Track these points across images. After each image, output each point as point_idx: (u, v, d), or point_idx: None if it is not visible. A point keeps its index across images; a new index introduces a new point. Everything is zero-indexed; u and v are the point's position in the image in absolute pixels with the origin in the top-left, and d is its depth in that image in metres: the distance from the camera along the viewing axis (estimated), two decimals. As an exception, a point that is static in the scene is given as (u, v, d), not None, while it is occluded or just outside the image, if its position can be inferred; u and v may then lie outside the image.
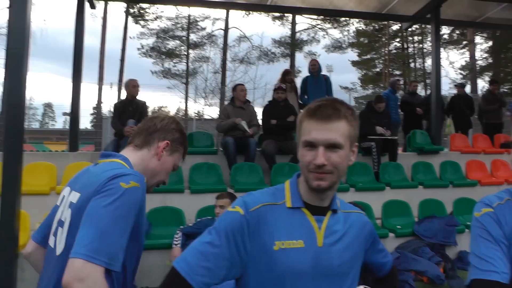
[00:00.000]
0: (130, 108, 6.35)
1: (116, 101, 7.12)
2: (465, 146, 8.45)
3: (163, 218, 5.15)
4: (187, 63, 27.08)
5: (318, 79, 8.21)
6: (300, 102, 8.15)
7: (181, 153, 1.75)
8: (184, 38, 27.32)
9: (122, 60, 25.68)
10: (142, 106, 6.47)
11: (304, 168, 1.25)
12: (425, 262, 4.99)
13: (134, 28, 43.81)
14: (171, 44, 27.61)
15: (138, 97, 6.54)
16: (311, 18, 27.56)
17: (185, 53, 27.35)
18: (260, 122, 6.88)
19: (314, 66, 8.25)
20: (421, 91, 24.96)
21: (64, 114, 33.79)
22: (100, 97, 23.54)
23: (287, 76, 8.28)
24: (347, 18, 26.11)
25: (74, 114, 7.40)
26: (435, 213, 5.90)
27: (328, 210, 1.32)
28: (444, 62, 30.27)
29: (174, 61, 27.44)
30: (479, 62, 28.93)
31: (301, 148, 1.26)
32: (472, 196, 6.51)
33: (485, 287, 1.25)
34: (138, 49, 27.67)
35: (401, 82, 25.70)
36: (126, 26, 26.35)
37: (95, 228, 1.24)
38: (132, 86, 6.46)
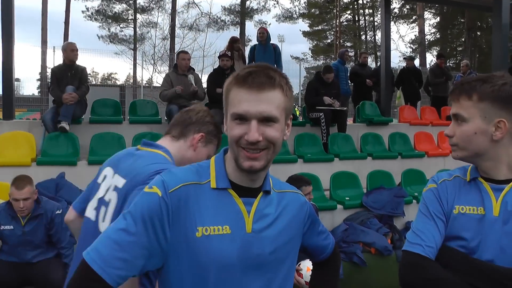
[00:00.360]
0: (68, 74, 5.80)
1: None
2: (413, 118, 8.52)
3: None
4: (134, 28, 26.04)
5: (266, 48, 7.96)
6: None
7: (215, 144, 1.84)
8: (131, 1, 26.16)
9: (66, 22, 24.06)
10: (82, 71, 5.92)
11: (233, 144, 1.10)
12: (373, 233, 4.96)
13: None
14: (118, 7, 26.48)
15: (78, 62, 5.99)
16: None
17: (132, 17, 26.28)
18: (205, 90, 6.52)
19: (263, 35, 7.97)
20: (371, 63, 25.30)
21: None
22: (45, 61, 21.97)
23: (235, 44, 7.94)
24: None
25: (6, 78, 6.68)
26: (383, 184, 5.84)
27: (259, 191, 1.18)
28: (394, 36, 30.83)
29: (121, 25, 26.40)
30: (428, 37, 29.63)
31: (230, 121, 1.11)
32: (420, 167, 6.54)
33: (408, 258, 1.35)
34: (83, 11, 26.35)
35: (351, 54, 25.92)
36: (68, -16, 24.68)
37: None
38: (70, 50, 5.87)
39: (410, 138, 7.58)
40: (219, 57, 6.57)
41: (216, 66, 7.90)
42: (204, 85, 6.78)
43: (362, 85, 8.93)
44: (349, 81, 9.16)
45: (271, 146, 1.09)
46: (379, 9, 30.85)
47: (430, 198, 1.43)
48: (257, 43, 8.08)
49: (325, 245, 1.43)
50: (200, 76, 6.51)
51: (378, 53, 27.55)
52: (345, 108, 7.40)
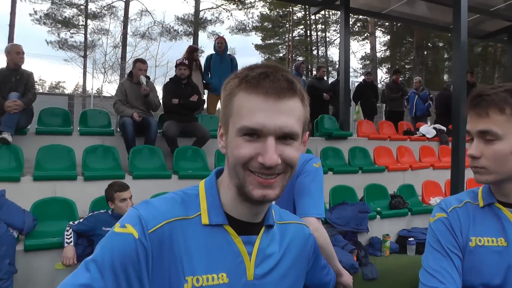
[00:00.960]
0: (13, 79, 5.18)
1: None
2: (372, 132, 8.53)
3: (51, 212, 4.22)
4: (85, 34, 24.99)
5: (223, 58, 7.78)
6: (204, 81, 7.65)
7: None
8: (82, 6, 25.15)
9: (12, 25, 22.77)
10: (28, 77, 5.29)
11: (239, 167, 0.85)
12: (339, 251, 4.74)
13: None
14: (68, 12, 25.30)
15: (23, 67, 5.37)
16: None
17: (83, 23, 25.20)
18: (161, 101, 6.16)
19: (221, 44, 7.75)
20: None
21: None
22: (-12, 66, 20.59)
23: (195, 52, 7.69)
24: (253, 0, 25.95)
25: None
26: (346, 199, 5.68)
27: (261, 225, 0.95)
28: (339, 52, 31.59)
29: (71, 31, 25.23)
30: (378, 54, 30.58)
31: (234, 136, 0.85)
32: (381, 182, 6.46)
33: None
34: (31, 14, 24.88)
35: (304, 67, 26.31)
36: (15, -15, 23.46)
37: (312, 197, 1.73)
38: (16, 53, 5.23)
39: (370, 152, 7.52)
40: (176, 65, 6.22)
41: (168, 76, 7.58)
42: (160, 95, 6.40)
43: (319, 99, 8.89)
44: (305, 94, 9.11)
45: (288, 170, 0.86)
46: (331, 25, 32.14)
47: (441, 230, 1.25)
48: (214, 53, 7.83)
49: (327, 282, 1.25)
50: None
51: (330, 68, 28.18)
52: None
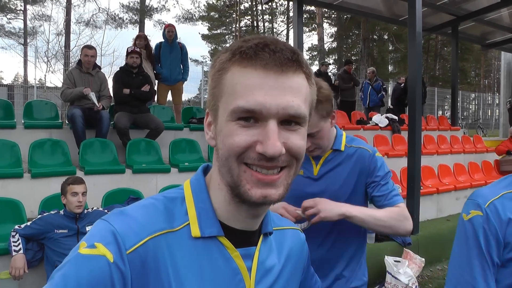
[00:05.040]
0: None
1: None
2: (325, 122, 8.51)
3: None
4: (24, 20, 23.60)
5: (173, 47, 7.47)
6: (154, 71, 7.34)
7: None
8: (19, -11, 23.67)
9: None
10: None
11: (232, 160, 0.67)
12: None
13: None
14: (4, -5, 23.73)
15: None
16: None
17: (22, 8, 23.73)
18: (111, 91, 5.85)
19: (171, 33, 7.41)
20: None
21: None
22: None
23: (146, 41, 7.32)
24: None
25: None
26: None
27: (259, 234, 0.80)
28: (291, 42, 31.92)
29: (8, 16, 23.65)
30: (325, 46, 31.06)
31: (226, 122, 0.68)
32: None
33: None
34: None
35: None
36: None
37: (392, 183, 1.71)
38: None
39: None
40: (127, 53, 5.93)
41: (114, 66, 7.21)
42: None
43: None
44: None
45: (294, 163, 0.70)
46: (278, 16, 32.30)
47: (479, 233, 1.07)
48: (163, 41, 7.49)
49: None
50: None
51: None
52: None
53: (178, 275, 0.69)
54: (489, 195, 1.12)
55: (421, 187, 6.12)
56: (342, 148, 1.74)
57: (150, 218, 0.70)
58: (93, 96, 5.31)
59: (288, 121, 0.68)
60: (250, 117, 0.66)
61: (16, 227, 3.33)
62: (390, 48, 31.77)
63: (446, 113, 21.36)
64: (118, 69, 6.15)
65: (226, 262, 0.74)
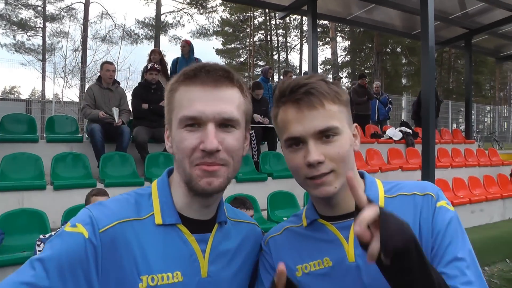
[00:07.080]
0: None
1: None
2: (340, 135, 8.57)
3: (20, 224, 4.03)
4: (43, 37, 24.23)
5: (189, 62, 7.54)
6: (170, 86, 7.43)
7: None
8: (39, 8, 24.33)
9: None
10: None
11: (185, 161, 0.87)
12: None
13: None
14: (24, 13, 24.40)
15: None
16: (176, 1, 27.31)
17: (41, 25, 24.38)
18: (130, 106, 6.04)
19: (184, 48, 7.60)
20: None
21: None
22: None
23: (160, 56, 7.54)
24: (214, 4, 26.42)
25: None
26: (286, 205, 5.68)
27: (214, 223, 0.98)
28: (306, 56, 32.12)
29: (28, 34, 24.32)
30: (338, 59, 31.18)
31: (177, 129, 0.89)
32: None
33: None
34: (-17, 15, 23.83)
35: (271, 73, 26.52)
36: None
37: None
38: None
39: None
40: (147, 70, 6.13)
41: (130, 81, 7.41)
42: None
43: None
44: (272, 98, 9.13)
45: (231, 162, 0.89)
46: (291, 31, 32.55)
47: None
48: (179, 56, 7.69)
49: None
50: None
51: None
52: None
53: (143, 253, 0.87)
54: (271, 231, 1.12)
55: (436, 200, 6.11)
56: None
57: (121, 208, 0.90)
58: (115, 111, 5.51)
59: (225, 124, 0.87)
60: (194, 123, 0.86)
61: (41, 236, 3.45)
62: (404, 61, 31.73)
63: (460, 126, 21.18)
64: (137, 84, 6.35)
65: (184, 245, 0.91)
